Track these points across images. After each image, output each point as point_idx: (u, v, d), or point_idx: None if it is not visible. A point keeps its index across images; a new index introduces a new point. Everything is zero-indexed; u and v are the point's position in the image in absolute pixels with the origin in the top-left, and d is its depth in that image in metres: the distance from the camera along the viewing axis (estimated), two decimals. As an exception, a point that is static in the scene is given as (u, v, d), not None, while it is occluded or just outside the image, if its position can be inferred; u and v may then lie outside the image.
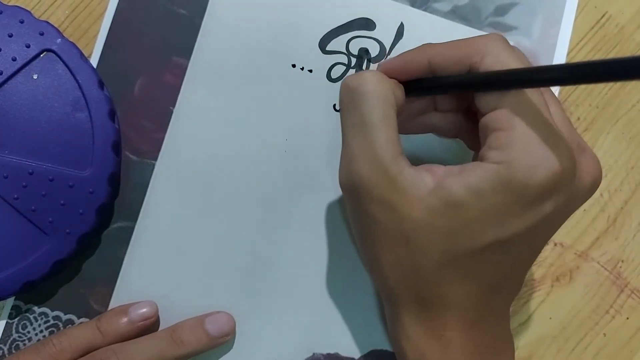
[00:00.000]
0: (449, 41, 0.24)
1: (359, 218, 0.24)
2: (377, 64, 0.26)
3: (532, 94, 0.22)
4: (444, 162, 0.24)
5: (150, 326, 0.29)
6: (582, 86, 0.33)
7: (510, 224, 0.22)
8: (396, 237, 0.23)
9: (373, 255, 0.24)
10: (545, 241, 0.25)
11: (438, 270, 0.23)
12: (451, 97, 0.26)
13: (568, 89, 0.33)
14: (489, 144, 0.22)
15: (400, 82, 0.25)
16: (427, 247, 0.22)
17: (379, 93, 0.23)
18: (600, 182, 0.24)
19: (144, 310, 0.29)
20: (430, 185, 0.22)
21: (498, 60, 0.22)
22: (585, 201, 0.24)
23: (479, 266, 0.22)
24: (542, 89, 0.23)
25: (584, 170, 0.23)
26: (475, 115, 0.25)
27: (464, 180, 0.21)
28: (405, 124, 0.27)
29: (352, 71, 0.32)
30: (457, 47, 0.23)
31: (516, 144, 0.21)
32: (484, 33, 0.32)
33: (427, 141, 0.31)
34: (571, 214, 0.24)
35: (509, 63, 0.22)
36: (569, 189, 0.22)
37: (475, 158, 0.27)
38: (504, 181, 0.21)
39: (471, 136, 0.27)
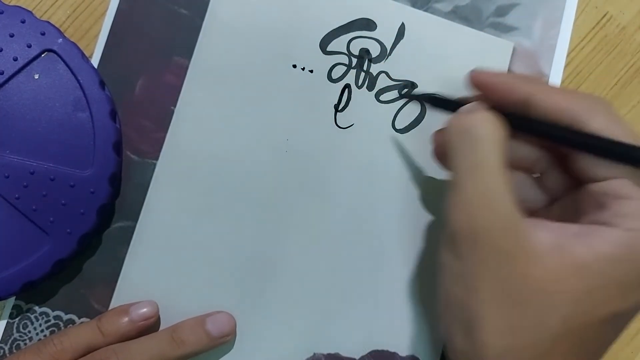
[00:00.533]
0: (557, 87, 0.23)
1: (464, 269, 0.22)
2: (472, 72, 0.24)
3: None
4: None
5: (150, 326, 0.29)
6: (584, 87, 0.33)
7: (632, 296, 0.20)
8: (510, 297, 0.21)
9: (470, 314, 0.21)
10: None
11: (553, 340, 0.20)
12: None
13: (569, 88, 0.33)
14: (615, 211, 0.21)
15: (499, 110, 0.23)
16: (546, 314, 0.20)
17: (496, 138, 0.22)
18: None
19: (145, 310, 0.29)
20: (549, 242, 0.21)
21: (607, 126, 0.21)
22: None
23: (591, 340, 0.21)
24: None
25: None
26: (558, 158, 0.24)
27: (590, 243, 0.20)
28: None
29: (352, 71, 0.32)
30: (566, 96, 0.22)
31: None
32: (485, 33, 0.32)
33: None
34: None
35: (617, 132, 0.21)
36: None
37: (551, 209, 0.25)
38: (634, 250, 0.20)
39: (552, 180, 0.25)
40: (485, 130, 0.22)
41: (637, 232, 0.20)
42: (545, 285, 0.20)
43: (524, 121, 0.23)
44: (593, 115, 0.21)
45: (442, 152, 0.27)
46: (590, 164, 0.22)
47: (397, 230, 0.31)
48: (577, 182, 0.23)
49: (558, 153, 0.24)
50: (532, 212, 0.25)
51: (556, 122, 0.22)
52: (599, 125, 0.21)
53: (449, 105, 0.26)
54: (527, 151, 0.25)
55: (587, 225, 0.21)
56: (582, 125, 0.21)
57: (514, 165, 0.25)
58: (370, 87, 0.32)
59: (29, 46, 0.28)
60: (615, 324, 0.21)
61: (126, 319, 0.29)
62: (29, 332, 0.30)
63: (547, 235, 0.21)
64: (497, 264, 0.21)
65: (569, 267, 0.20)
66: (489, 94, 0.24)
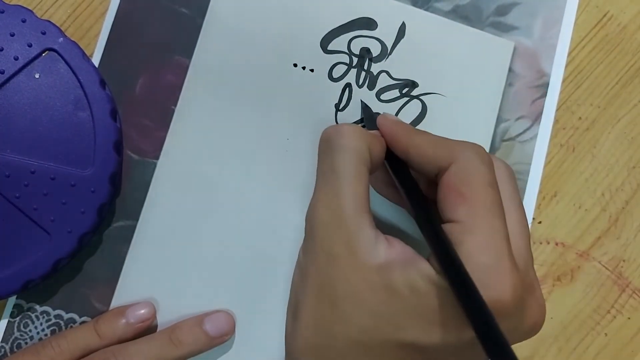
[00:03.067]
0: (434, 136, 0.24)
1: (304, 260, 0.24)
2: (382, 116, 0.27)
3: (493, 218, 0.21)
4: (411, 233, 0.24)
5: (148, 327, 0.29)
6: (584, 86, 0.33)
7: (433, 333, 0.21)
8: (328, 294, 0.22)
9: (298, 301, 0.24)
10: None
11: (349, 347, 0.22)
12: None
13: (569, 88, 0.33)
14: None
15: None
16: (349, 320, 0.21)
17: (354, 148, 0.23)
18: (539, 329, 0.23)
19: (142, 311, 0.29)
20: (381, 258, 0.22)
21: (463, 173, 0.22)
22: (519, 341, 0.23)
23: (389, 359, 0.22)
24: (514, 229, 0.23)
25: (528, 313, 0.22)
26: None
27: (409, 273, 0.21)
28: (384, 188, 0.28)
29: (353, 70, 0.32)
30: (433, 145, 0.24)
31: (472, 258, 0.20)
32: (485, 33, 0.32)
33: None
34: None
35: (473, 183, 0.22)
36: (508, 323, 0.21)
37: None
38: (441, 291, 0.20)
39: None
40: (343, 140, 0.23)
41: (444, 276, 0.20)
42: (357, 294, 0.21)
43: (394, 162, 0.25)
44: (452, 161, 0.23)
45: None
46: (441, 208, 0.23)
47: (399, 229, 0.31)
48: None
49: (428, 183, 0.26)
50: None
51: (425, 170, 0.24)
52: (455, 171, 0.22)
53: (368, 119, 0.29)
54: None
55: (419, 257, 0.22)
56: (444, 172, 0.23)
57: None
58: (371, 87, 0.32)
59: (30, 45, 0.28)
60: (426, 356, 0.21)
61: (123, 320, 0.29)
62: (30, 331, 0.30)
63: (385, 252, 0.22)
64: (324, 262, 0.22)
65: (382, 287, 0.21)
66: (387, 142, 0.26)
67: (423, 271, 0.21)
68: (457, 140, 0.24)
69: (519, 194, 0.25)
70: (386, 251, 0.22)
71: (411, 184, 0.24)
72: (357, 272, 0.22)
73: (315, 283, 0.23)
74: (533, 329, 0.23)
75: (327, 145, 0.24)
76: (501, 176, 0.24)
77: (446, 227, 0.22)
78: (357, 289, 0.21)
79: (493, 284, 0.20)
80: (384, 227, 0.25)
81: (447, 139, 0.24)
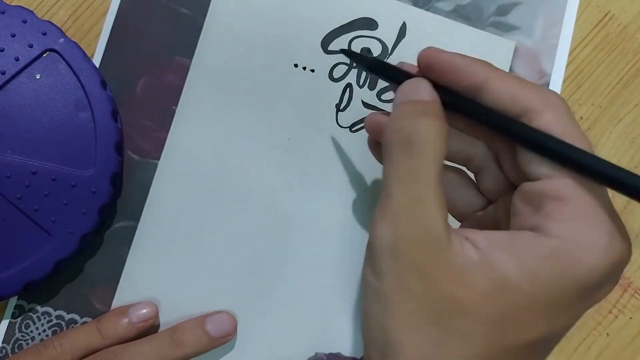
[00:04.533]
0: (513, 75, 0.21)
1: (385, 284, 0.20)
2: (426, 51, 0.22)
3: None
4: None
5: (150, 327, 0.29)
6: (585, 86, 0.33)
7: (563, 316, 0.19)
8: (432, 318, 0.19)
9: (390, 335, 0.19)
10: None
11: None
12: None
13: (570, 88, 0.33)
14: (546, 214, 0.19)
15: (438, 85, 0.21)
16: (469, 338, 0.18)
17: (439, 150, 0.20)
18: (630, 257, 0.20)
19: (144, 311, 0.29)
20: (475, 258, 0.19)
21: (557, 123, 0.19)
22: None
23: None
24: None
25: (618, 250, 0.19)
26: (496, 155, 0.22)
27: (518, 256, 0.18)
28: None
29: (354, 71, 0.32)
30: (522, 84, 0.20)
31: (580, 218, 0.18)
32: (486, 33, 0.32)
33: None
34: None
35: (567, 131, 0.19)
36: (616, 280, 0.19)
37: (491, 211, 0.23)
38: (565, 263, 0.18)
39: (488, 175, 0.23)
40: (426, 138, 0.20)
41: (567, 241, 0.18)
42: (469, 306, 0.18)
43: (470, 106, 0.21)
44: (545, 108, 0.19)
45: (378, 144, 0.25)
46: (530, 161, 0.20)
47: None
48: (514, 184, 0.22)
49: (497, 149, 0.23)
50: (465, 216, 0.24)
51: (503, 112, 0.20)
52: (549, 120, 0.19)
53: (390, 73, 0.24)
54: (465, 144, 0.23)
55: (516, 231, 0.19)
56: (532, 117, 0.20)
57: (449, 158, 0.23)
58: (372, 87, 0.32)
59: (31, 46, 0.28)
60: (543, 346, 0.19)
61: (125, 320, 0.29)
62: (31, 331, 0.30)
63: (475, 249, 0.19)
64: (418, 283, 0.19)
65: (494, 286, 0.18)
66: (442, 75, 0.22)
67: (533, 246, 0.18)
68: (543, 87, 0.21)
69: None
70: (474, 247, 0.19)
71: (488, 109, 0.21)
72: (461, 285, 0.18)
73: (413, 311, 0.19)
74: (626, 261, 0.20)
75: (404, 144, 0.20)
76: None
77: (545, 185, 0.19)
78: (467, 303, 0.18)
79: (612, 240, 0.18)
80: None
81: (528, 81, 0.21)
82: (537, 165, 0.19)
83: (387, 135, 0.21)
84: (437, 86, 0.22)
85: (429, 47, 0.22)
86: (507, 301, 0.18)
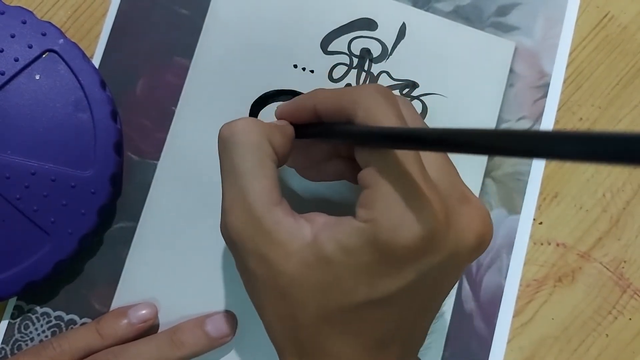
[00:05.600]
0: (334, 89, 0.24)
1: (239, 268, 0.24)
2: (276, 110, 0.26)
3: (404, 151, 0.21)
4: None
5: (149, 328, 0.29)
6: (585, 86, 0.33)
7: (381, 284, 0.21)
8: (274, 291, 0.22)
9: (257, 306, 0.24)
10: (436, 298, 0.24)
11: (315, 325, 0.22)
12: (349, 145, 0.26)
13: (570, 89, 0.33)
14: (359, 200, 0.22)
15: (295, 125, 0.25)
16: (303, 302, 0.22)
17: (250, 142, 0.23)
18: (490, 237, 0.23)
19: (143, 312, 0.29)
20: (308, 237, 0.22)
21: (369, 115, 0.22)
22: (475, 257, 0.23)
23: (357, 322, 0.22)
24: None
25: (466, 227, 0.22)
26: None
27: (335, 235, 0.21)
28: (311, 171, 0.27)
29: (353, 72, 0.32)
30: (336, 96, 0.23)
31: (380, 203, 0.21)
32: (486, 33, 0.32)
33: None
34: (462, 271, 0.23)
35: (381, 119, 0.21)
36: (443, 249, 0.21)
37: None
38: (370, 241, 0.20)
39: None
40: (237, 137, 0.23)
41: (370, 224, 0.20)
42: (296, 277, 0.21)
43: (305, 128, 0.25)
44: (356, 108, 0.22)
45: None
46: (357, 155, 0.22)
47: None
48: None
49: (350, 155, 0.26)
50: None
51: (335, 123, 0.23)
52: (362, 116, 0.22)
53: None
54: (350, 165, 0.26)
55: (342, 217, 0.22)
56: (352, 119, 0.22)
57: (334, 178, 0.27)
58: (371, 87, 0.32)
59: (30, 47, 0.28)
60: (383, 308, 0.22)
61: (125, 321, 0.29)
62: (30, 332, 0.30)
63: (310, 230, 0.22)
64: (255, 265, 0.22)
65: (317, 260, 0.21)
66: (291, 120, 0.25)
67: (347, 228, 0.21)
68: (356, 86, 0.24)
69: (423, 121, 0.25)
70: (311, 229, 0.22)
71: (327, 125, 0.24)
72: (291, 260, 0.21)
73: (261, 288, 0.23)
74: (480, 241, 0.22)
75: (223, 145, 0.23)
76: (406, 111, 0.23)
77: (361, 177, 0.22)
78: (297, 274, 0.21)
79: (410, 219, 0.20)
80: (315, 208, 0.25)
81: (346, 88, 0.24)
82: (359, 157, 0.22)
83: (218, 141, 0.24)
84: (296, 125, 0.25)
85: (277, 107, 0.26)
86: (327, 271, 0.21)
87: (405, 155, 0.21)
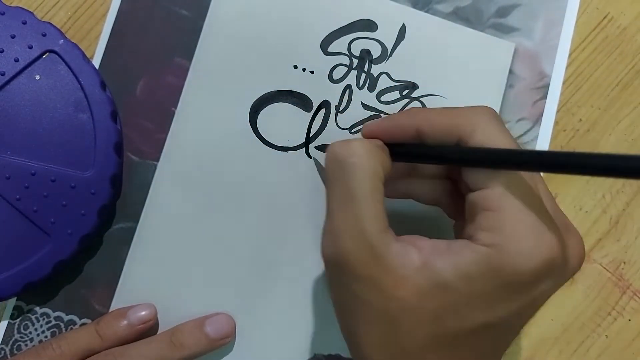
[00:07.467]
0: (440, 109, 0.24)
1: (340, 293, 0.24)
2: (364, 125, 0.26)
3: (523, 173, 0.21)
4: (424, 225, 0.24)
5: (149, 329, 0.29)
6: (585, 87, 0.33)
7: (498, 309, 0.21)
8: (382, 317, 0.22)
9: (353, 332, 0.23)
10: (528, 320, 0.24)
11: (421, 352, 0.22)
12: (432, 165, 0.26)
13: (570, 90, 0.33)
14: (478, 223, 0.21)
15: (386, 144, 0.24)
16: (413, 330, 0.21)
17: (369, 167, 0.22)
18: (582, 261, 0.23)
19: (143, 313, 0.29)
20: (417, 263, 0.21)
21: (488, 137, 0.22)
22: (569, 279, 0.23)
23: (464, 346, 0.22)
24: None
25: (571, 252, 0.22)
26: (457, 184, 0.25)
27: (453, 261, 0.21)
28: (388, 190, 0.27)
29: (353, 72, 0.32)
30: (447, 116, 0.23)
31: (507, 227, 0.20)
32: (486, 34, 0.32)
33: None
34: (554, 293, 0.24)
35: (499, 141, 0.21)
36: (559, 274, 0.21)
37: (458, 228, 0.26)
38: (494, 267, 0.20)
39: (452, 205, 0.26)
40: (356, 159, 0.22)
41: (495, 249, 0.20)
42: (409, 304, 0.21)
43: (404, 148, 0.24)
44: (473, 129, 0.22)
45: None
46: (466, 176, 0.22)
47: (400, 231, 0.31)
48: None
49: (454, 178, 0.25)
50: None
51: (442, 144, 0.23)
52: (480, 138, 0.22)
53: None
54: (424, 186, 0.26)
55: (455, 240, 0.22)
56: (466, 140, 0.22)
57: (420, 200, 0.27)
58: (371, 88, 0.32)
59: (30, 47, 0.28)
60: (490, 332, 0.22)
61: (124, 322, 0.29)
62: (30, 333, 0.30)
63: (418, 256, 0.21)
64: (363, 289, 0.22)
65: (432, 286, 0.21)
66: (385, 139, 0.25)
67: (467, 253, 0.21)
68: (466, 107, 0.23)
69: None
70: (419, 253, 0.21)
71: (443, 147, 0.23)
72: (403, 286, 0.21)
73: (365, 313, 0.22)
74: (579, 265, 0.23)
75: (339, 165, 0.23)
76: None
77: (481, 199, 0.22)
78: (408, 302, 0.21)
79: (539, 243, 0.20)
80: (404, 227, 0.24)
81: (453, 107, 0.24)
82: (472, 178, 0.22)
83: (326, 161, 0.24)
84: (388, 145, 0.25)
85: (364, 125, 0.26)
86: (443, 298, 0.21)
87: (526, 182, 0.21)
